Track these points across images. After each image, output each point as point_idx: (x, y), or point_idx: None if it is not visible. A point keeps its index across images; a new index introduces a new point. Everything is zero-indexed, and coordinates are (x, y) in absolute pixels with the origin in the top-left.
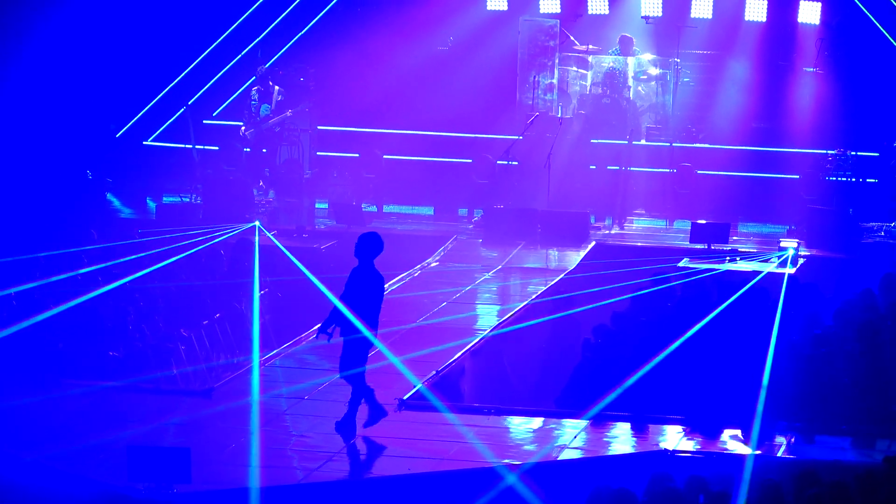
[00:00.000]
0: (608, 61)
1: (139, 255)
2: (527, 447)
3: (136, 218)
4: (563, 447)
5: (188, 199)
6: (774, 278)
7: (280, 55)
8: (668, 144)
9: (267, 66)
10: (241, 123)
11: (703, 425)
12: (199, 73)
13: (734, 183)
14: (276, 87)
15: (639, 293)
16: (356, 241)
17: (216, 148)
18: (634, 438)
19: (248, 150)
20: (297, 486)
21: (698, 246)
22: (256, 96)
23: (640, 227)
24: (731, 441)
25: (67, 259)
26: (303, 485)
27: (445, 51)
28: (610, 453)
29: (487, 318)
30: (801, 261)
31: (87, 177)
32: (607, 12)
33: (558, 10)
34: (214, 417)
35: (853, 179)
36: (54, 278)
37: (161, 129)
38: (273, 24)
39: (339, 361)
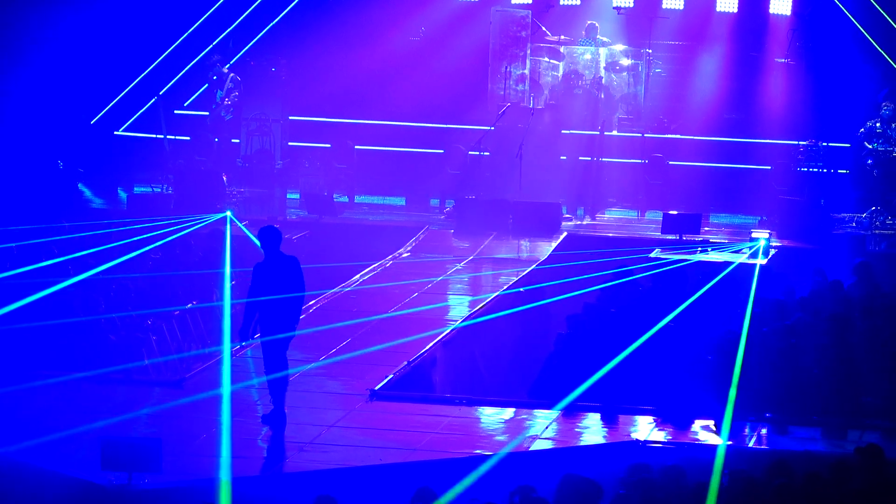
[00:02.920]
0: (580, 52)
1: (111, 245)
2: (498, 438)
3: (108, 208)
4: (534, 438)
5: (159, 190)
6: (746, 269)
7: (251, 45)
8: (639, 135)
9: (209, 49)
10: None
11: (675, 416)
12: (170, 63)
13: (706, 173)
14: (231, 74)
15: (610, 284)
16: (259, 235)
17: (187, 138)
18: (606, 429)
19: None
20: (268, 477)
21: (670, 236)
22: (215, 79)
23: (612, 218)
24: (703, 431)
25: (38, 249)
26: (273, 475)
27: (417, 41)
28: (581, 444)
29: (459, 308)
30: (772, 251)
31: (59, 166)
32: (579, 3)
33: (530, 1)
34: (186, 408)
35: (825, 170)
36: (25, 268)
37: (132, 118)
38: (244, 14)
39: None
